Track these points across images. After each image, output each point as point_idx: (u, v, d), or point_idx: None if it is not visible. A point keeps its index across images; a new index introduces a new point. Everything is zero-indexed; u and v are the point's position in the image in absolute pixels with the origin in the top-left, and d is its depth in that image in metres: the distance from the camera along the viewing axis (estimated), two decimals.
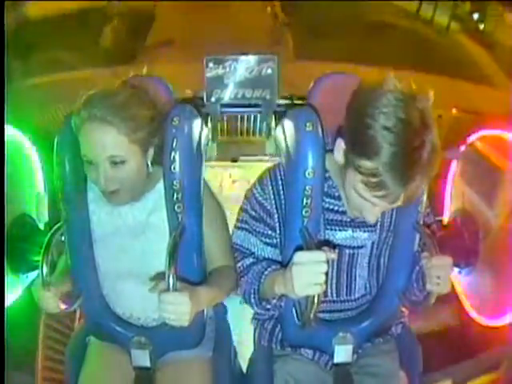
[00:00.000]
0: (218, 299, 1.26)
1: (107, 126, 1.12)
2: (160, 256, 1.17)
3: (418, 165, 1.02)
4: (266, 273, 1.21)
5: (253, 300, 1.24)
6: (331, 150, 1.18)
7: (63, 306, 1.23)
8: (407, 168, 1.01)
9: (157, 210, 1.26)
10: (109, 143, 1.13)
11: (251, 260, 1.28)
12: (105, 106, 1.13)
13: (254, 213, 1.28)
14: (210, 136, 1.86)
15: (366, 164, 1.04)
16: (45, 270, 1.18)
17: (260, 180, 1.28)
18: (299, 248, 1.10)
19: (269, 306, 1.23)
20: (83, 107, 1.14)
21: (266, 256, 1.28)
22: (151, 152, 1.22)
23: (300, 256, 1.04)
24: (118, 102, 1.14)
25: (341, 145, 1.12)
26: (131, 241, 1.27)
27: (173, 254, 1.11)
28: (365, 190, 1.07)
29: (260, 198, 1.27)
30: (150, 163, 1.22)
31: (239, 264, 1.29)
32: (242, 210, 1.32)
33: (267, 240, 1.28)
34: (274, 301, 1.21)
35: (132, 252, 1.27)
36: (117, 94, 1.16)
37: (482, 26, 5.88)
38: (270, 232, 1.27)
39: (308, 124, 1.17)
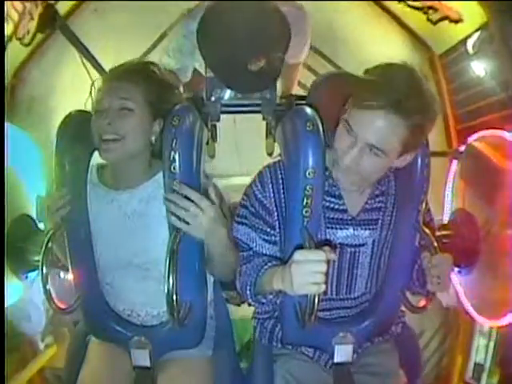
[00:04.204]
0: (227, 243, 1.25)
1: (129, 78, 1.23)
2: (159, 248, 1.17)
3: (406, 112, 1.08)
4: (265, 267, 1.20)
5: (248, 292, 1.23)
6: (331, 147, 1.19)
7: (63, 306, 1.23)
8: (396, 110, 1.07)
9: (156, 199, 1.26)
10: (125, 89, 1.22)
11: (251, 253, 1.28)
12: (133, 65, 1.28)
13: (253, 209, 1.28)
14: (210, 136, 1.85)
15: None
16: (45, 270, 1.18)
17: (260, 177, 1.28)
18: (299, 247, 1.09)
19: (264, 301, 1.23)
20: (117, 66, 1.28)
21: (265, 252, 1.28)
22: (156, 128, 1.25)
23: (300, 254, 1.04)
24: (145, 66, 1.28)
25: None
26: (130, 231, 1.27)
27: (173, 255, 1.10)
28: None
29: (260, 196, 1.26)
30: (153, 139, 1.25)
31: (240, 254, 1.29)
32: (241, 206, 1.31)
33: (266, 237, 1.28)
34: (270, 296, 1.20)
35: (131, 244, 1.27)
36: (148, 63, 1.31)
37: None
38: (269, 230, 1.27)
39: (308, 124, 1.16)
